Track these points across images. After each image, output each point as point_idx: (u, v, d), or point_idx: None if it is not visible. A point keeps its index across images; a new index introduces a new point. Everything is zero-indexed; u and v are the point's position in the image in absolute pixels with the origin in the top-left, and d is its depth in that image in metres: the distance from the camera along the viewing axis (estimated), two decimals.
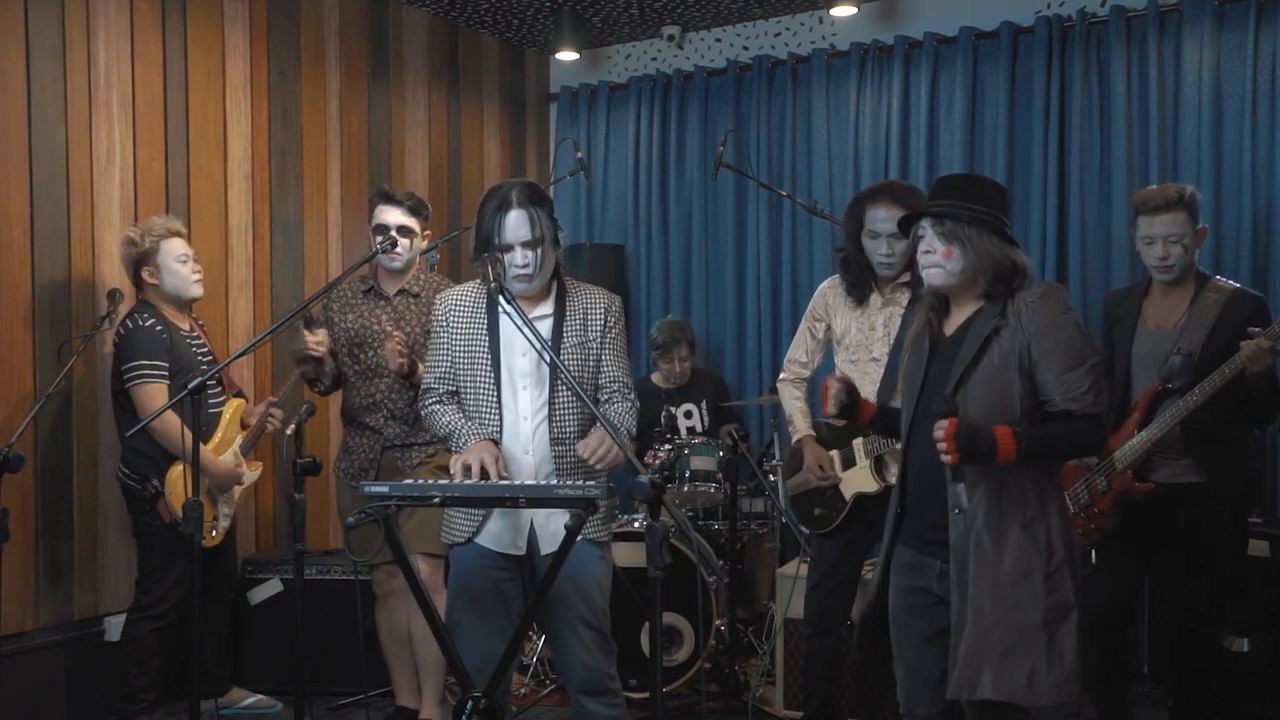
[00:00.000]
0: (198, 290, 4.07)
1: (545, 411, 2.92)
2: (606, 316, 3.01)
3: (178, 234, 4.03)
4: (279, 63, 5.01)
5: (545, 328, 2.94)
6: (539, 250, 2.86)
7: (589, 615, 2.94)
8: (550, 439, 2.92)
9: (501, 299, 2.83)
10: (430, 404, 3.03)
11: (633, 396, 3.05)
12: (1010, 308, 2.55)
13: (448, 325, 3.01)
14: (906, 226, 2.71)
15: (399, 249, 3.80)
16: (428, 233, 3.96)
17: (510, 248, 2.86)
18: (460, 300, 3.02)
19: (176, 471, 3.88)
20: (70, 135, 4.19)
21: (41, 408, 3.74)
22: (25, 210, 4.06)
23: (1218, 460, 3.29)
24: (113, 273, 4.29)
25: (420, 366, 3.72)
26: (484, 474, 2.77)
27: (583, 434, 2.95)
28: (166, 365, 3.90)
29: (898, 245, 3.46)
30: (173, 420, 3.78)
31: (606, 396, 3.02)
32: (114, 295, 4.09)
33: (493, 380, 2.94)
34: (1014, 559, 2.50)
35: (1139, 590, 3.42)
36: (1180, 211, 3.34)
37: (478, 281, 3.01)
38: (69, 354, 3.95)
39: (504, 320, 2.93)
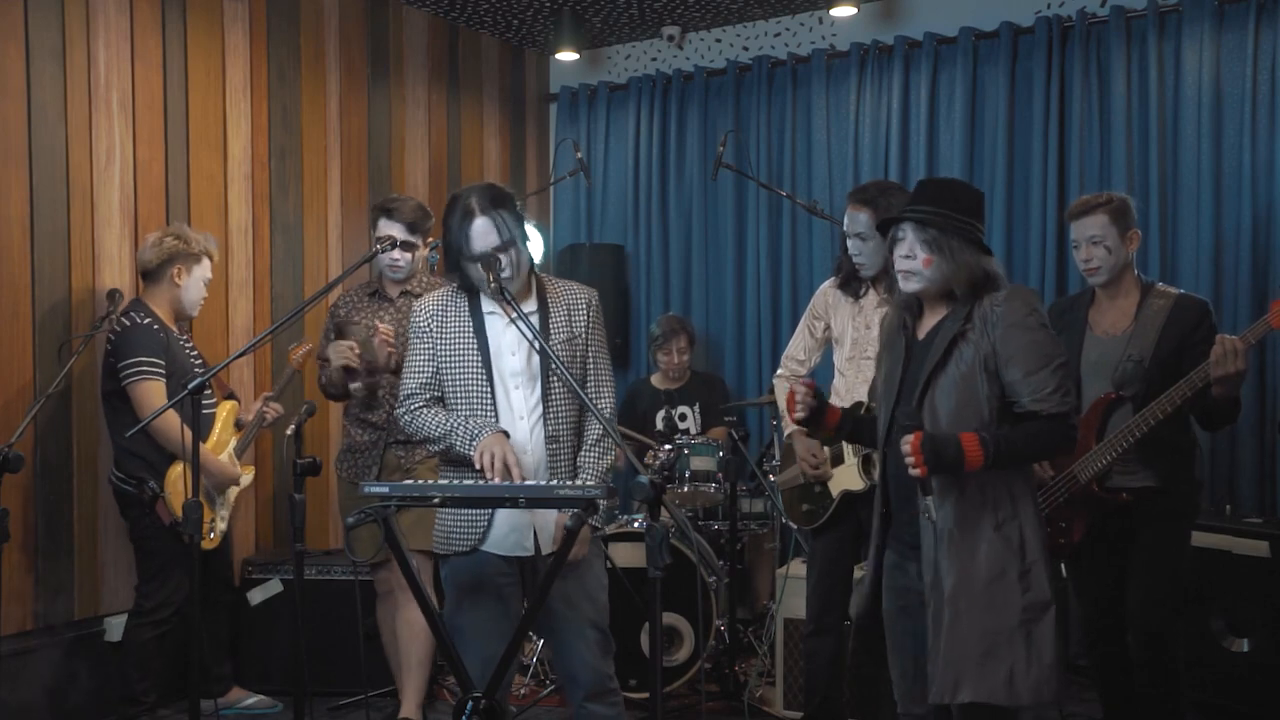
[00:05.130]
0: (197, 312, 4.18)
1: (540, 410, 2.91)
2: (589, 312, 3.01)
3: (212, 257, 4.14)
4: (279, 63, 5.01)
5: (532, 324, 2.93)
6: (510, 252, 2.86)
7: (594, 615, 2.95)
8: (545, 437, 2.91)
9: (505, 299, 2.83)
10: (416, 408, 2.97)
11: (609, 413, 3.00)
12: (976, 311, 2.57)
13: (430, 331, 2.97)
14: (886, 228, 2.71)
15: (400, 261, 3.88)
16: (430, 241, 4.02)
17: (487, 253, 2.85)
18: (441, 305, 2.98)
19: (176, 471, 3.87)
20: (70, 135, 4.19)
21: (41, 408, 3.74)
22: (25, 210, 4.06)
23: (1169, 464, 3.30)
24: (112, 273, 4.30)
25: None
26: (506, 470, 2.76)
27: (576, 430, 2.95)
28: (164, 363, 3.90)
29: (864, 245, 3.51)
30: (173, 419, 3.78)
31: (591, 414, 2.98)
32: (114, 295, 4.09)
33: (485, 382, 2.92)
34: (987, 560, 2.51)
35: (1123, 593, 3.42)
36: (1101, 214, 3.36)
37: (454, 286, 2.99)
38: (69, 354, 3.95)
39: (489, 321, 2.93)
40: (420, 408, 2.97)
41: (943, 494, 2.54)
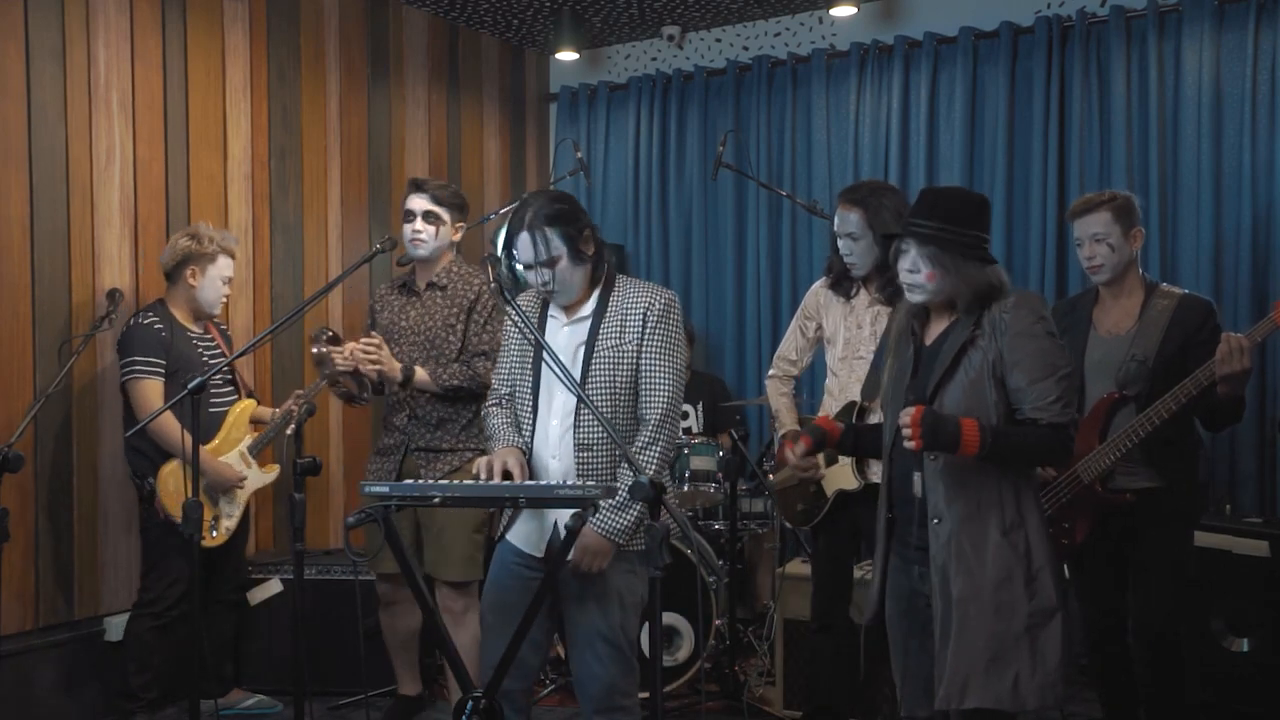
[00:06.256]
0: (219, 310, 4.18)
1: (573, 417, 2.89)
2: (646, 316, 2.88)
3: (231, 254, 4.15)
4: (279, 63, 5.01)
5: (583, 330, 2.92)
6: (554, 269, 2.86)
7: (604, 628, 2.85)
8: (575, 444, 2.88)
9: (504, 299, 2.83)
10: (489, 405, 3.08)
11: (665, 431, 2.87)
12: (985, 317, 2.57)
13: (509, 332, 3.06)
14: (890, 241, 2.72)
15: (422, 234, 3.76)
16: (460, 224, 3.89)
17: (529, 266, 2.89)
18: (526, 307, 3.02)
19: (167, 469, 3.90)
20: (70, 135, 4.19)
21: (41, 408, 3.73)
22: (25, 210, 4.06)
23: (1172, 465, 3.30)
24: (112, 273, 4.30)
25: (418, 372, 3.73)
26: (506, 476, 2.78)
27: (622, 437, 2.81)
28: (163, 362, 3.91)
29: (855, 245, 3.50)
30: (168, 419, 3.78)
31: (640, 427, 2.91)
32: (114, 295, 4.09)
33: (531, 383, 2.95)
34: (994, 566, 2.51)
35: (1125, 594, 3.42)
36: (1103, 212, 3.35)
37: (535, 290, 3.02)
38: (69, 354, 3.95)
39: (550, 324, 2.96)
40: (492, 404, 3.07)
41: (950, 499, 2.54)
